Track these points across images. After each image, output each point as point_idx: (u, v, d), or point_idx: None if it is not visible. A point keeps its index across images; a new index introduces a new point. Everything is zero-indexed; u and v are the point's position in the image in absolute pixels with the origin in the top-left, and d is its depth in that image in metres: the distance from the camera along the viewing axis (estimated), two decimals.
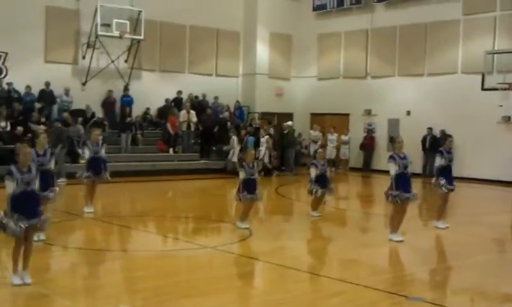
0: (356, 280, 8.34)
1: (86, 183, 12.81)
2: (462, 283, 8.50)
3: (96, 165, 12.71)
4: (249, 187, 11.48)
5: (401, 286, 8.20)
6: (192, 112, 23.58)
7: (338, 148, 25.47)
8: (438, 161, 12.64)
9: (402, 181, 10.86)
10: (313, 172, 13.07)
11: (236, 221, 11.84)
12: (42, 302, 7.38)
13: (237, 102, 25.96)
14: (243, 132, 23.69)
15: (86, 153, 12.84)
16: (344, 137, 25.75)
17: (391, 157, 10.99)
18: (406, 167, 11.04)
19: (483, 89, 20.45)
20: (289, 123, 24.42)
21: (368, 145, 25.33)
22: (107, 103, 22.88)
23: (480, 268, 9.50)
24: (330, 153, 24.52)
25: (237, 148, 22.13)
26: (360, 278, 8.58)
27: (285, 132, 24.07)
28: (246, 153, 11.97)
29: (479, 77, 20.64)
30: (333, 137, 25.52)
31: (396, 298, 7.59)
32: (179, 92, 24.65)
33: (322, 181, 13.11)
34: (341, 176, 24.43)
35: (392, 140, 12.09)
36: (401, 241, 10.83)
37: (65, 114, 20.87)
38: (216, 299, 7.43)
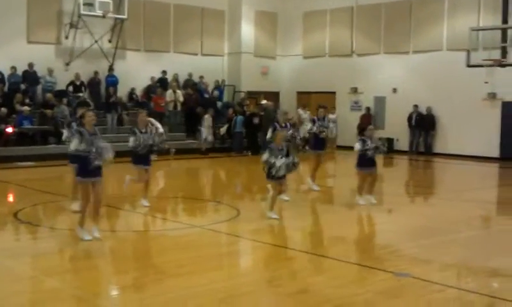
0: (343, 257, 8.38)
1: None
2: (449, 259, 8.57)
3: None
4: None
5: (388, 262, 8.25)
6: (179, 92, 23.48)
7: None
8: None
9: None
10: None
11: (266, 212, 10.89)
12: (30, 282, 7.35)
13: (216, 81, 25.70)
14: (231, 110, 23.63)
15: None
16: (331, 116, 25.68)
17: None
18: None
19: (468, 65, 20.46)
20: (264, 101, 24.03)
21: (366, 124, 24.98)
22: (93, 84, 22.69)
23: (466, 244, 9.59)
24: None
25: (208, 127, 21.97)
26: (348, 255, 8.62)
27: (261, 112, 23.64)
28: (276, 135, 11.33)
29: (464, 54, 20.64)
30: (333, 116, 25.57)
31: (383, 274, 7.64)
32: (164, 72, 24.50)
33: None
34: (330, 155, 24.49)
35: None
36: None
37: (49, 95, 20.71)
38: (205, 277, 7.44)
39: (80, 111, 9.72)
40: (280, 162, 10.39)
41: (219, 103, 24.82)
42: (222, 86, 25.94)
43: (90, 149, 8.70)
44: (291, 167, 10.55)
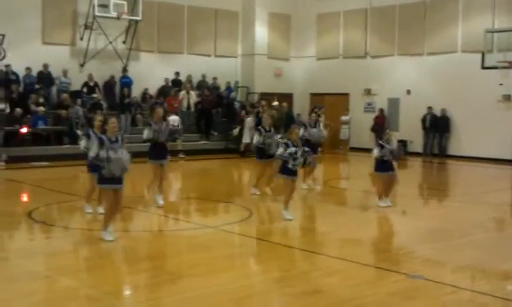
0: (356, 258, 8.36)
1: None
2: (462, 261, 8.52)
3: None
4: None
5: (401, 264, 8.23)
6: (192, 93, 23.54)
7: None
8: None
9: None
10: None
11: (283, 210, 10.83)
12: (44, 282, 7.40)
13: (227, 82, 25.60)
14: (243, 112, 23.65)
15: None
16: (344, 118, 25.70)
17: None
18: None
19: (483, 67, 20.38)
20: (276, 103, 23.94)
21: (379, 125, 24.79)
22: (108, 85, 22.81)
23: (480, 246, 9.52)
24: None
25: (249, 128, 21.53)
26: (360, 256, 8.60)
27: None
28: (290, 131, 10.99)
29: (479, 56, 20.57)
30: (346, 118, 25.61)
31: (396, 276, 7.61)
32: (177, 73, 24.54)
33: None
34: (343, 157, 24.47)
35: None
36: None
37: (65, 96, 20.85)
38: (218, 278, 7.45)
39: (92, 115, 9.73)
40: (300, 151, 10.43)
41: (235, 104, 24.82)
42: (234, 87, 25.91)
43: (109, 158, 8.65)
44: (308, 159, 10.52)
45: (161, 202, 11.72)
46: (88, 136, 9.91)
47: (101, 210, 10.25)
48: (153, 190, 11.82)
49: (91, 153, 8.96)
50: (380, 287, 7.26)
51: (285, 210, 10.74)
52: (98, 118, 9.05)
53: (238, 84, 26.16)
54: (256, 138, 10.50)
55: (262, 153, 13.11)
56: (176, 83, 24.28)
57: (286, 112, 23.42)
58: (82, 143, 10.31)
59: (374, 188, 13.48)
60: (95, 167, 9.46)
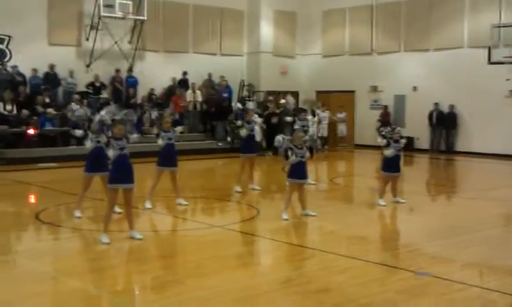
0: (364, 256, 8.34)
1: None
2: (470, 258, 8.49)
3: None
4: (300, 170, 10.71)
5: (409, 261, 8.19)
6: (198, 92, 23.55)
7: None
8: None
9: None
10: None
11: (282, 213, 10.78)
12: (51, 283, 7.41)
13: (224, 80, 25.14)
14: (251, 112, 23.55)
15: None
16: (339, 115, 25.65)
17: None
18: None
19: (490, 62, 20.31)
20: (283, 100, 23.90)
21: (385, 122, 24.74)
22: (115, 83, 22.84)
23: (488, 243, 9.48)
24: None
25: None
26: (368, 254, 8.58)
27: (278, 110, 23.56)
28: (294, 136, 11.01)
29: (486, 51, 20.49)
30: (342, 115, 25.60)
31: (404, 273, 7.59)
32: (185, 73, 24.53)
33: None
34: (346, 154, 24.44)
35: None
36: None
37: (76, 96, 20.85)
38: (225, 277, 7.45)
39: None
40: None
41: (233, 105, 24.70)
42: (240, 86, 25.81)
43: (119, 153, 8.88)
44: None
45: (184, 202, 11.85)
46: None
47: (118, 209, 10.24)
48: (152, 193, 11.82)
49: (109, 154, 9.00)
50: (388, 285, 7.23)
51: (284, 211, 10.75)
52: (118, 127, 9.20)
53: (244, 83, 26.13)
54: (292, 158, 10.42)
55: (248, 148, 13.58)
56: (185, 82, 24.24)
57: (294, 109, 23.28)
58: (88, 143, 10.39)
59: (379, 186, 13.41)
60: (91, 167, 10.11)
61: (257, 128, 14.47)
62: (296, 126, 14.23)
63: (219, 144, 22.11)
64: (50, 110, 19.97)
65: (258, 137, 11.72)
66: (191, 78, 24.44)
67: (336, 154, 23.78)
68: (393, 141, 11.96)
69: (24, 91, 20.41)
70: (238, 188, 13.62)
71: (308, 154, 10.95)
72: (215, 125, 23.36)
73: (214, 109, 23.26)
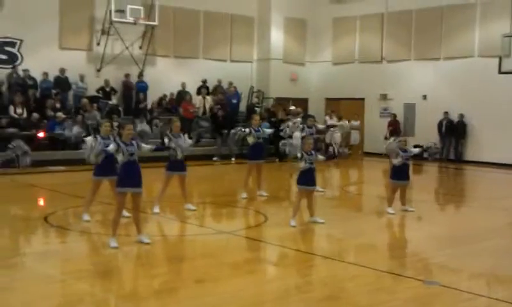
0: (372, 264, 8.32)
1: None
2: (478, 267, 8.45)
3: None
4: (309, 177, 10.75)
5: (417, 270, 8.17)
6: (208, 98, 23.58)
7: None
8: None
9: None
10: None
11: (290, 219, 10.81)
12: (59, 286, 7.43)
13: (232, 85, 25.08)
14: (257, 117, 23.53)
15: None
16: (354, 123, 25.62)
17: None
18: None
19: (500, 72, 20.22)
20: (292, 107, 23.84)
21: (394, 131, 24.59)
22: (125, 87, 22.92)
23: (497, 253, 9.44)
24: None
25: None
26: (376, 262, 8.55)
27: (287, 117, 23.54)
28: (303, 142, 11.12)
29: (496, 61, 20.40)
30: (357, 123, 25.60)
31: (413, 282, 7.56)
32: (204, 81, 24.47)
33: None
34: (357, 162, 24.38)
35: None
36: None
37: (84, 101, 20.94)
38: (233, 283, 7.45)
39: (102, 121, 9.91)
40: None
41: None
42: (249, 92, 25.81)
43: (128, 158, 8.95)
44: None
45: (192, 207, 11.95)
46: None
47: (126, 213, 10.25)
48: (161, 198, 11.82)
49: (119, 158, 9.04)
50: (397, 293, 7.22)
51: (293, 218, 10.76)
52: (128, 127, 9.23)
53: (253, 89, 26.16)
54: (302, 164, 10.51)
55: (256, 154, 13.66)
56: (205, 89, 24.20)
57: (302, 117, 23.24)
58: (120, 156, 10.32)
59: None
60: (100, 171, 10.06)
61: (297, 135, 14.41)
62: (303, 133, 14.37)
63: (214, 158, 22.04)
64: (59, 114, 20.02)
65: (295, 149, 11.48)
66: (197, 84, 24.44)
67: (345, 162, 23.72)
68: (401, 150, 11.96)
69: (33, 95, 20.49)
70: (244, 195, 13.65)
71: (322, 158, 11.00)
72: (223, 133, 23.30)
73: (222, 116, 23.15)
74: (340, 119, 25.19)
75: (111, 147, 9.14)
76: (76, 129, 19.23)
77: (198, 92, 24.11)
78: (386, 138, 24.35)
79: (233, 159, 21.75)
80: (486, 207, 13.71)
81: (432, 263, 8.69)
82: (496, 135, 22.06)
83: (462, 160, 23.07)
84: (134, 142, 9.13)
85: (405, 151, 11.98)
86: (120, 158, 9.01)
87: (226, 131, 21.48)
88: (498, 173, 20.69)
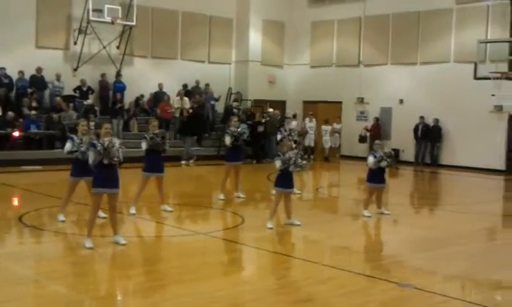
0: (347, 266, 8.37)
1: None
2: (453, 270, 8.54)
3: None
4: (286, 179, 10.75)
5: (392, 273, 8.23)
6: (185, 99, 23.52)
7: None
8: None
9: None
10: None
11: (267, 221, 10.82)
12: (33, 286, 7.36)
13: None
14: (235, 118, 23.54)
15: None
16: (336, 126, 25.74)
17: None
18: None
19: (476, 78, 20.43)
20: (270, 110, 24.06)
21: (375, 135, 24.58)
22: (102, 87, 22.76)
23: (471, 256, 9.55)
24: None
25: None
26: (351, 264, 8.61)
27: (265, 119, 23.68)
28: (281, 145, 11.22)
29: (472, 66, 20.62)
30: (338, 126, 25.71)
31: (387, 284, 7.61)
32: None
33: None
34: (335, 165, 24.48)
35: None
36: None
37: (58, 99, 20.78)
38: (209, 284, 7.43)
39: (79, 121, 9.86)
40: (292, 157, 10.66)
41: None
42: (227, 94, 25.80)
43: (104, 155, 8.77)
44: (299, 164, 10.67)
45: (169, 208, 11.93)
46: (72, 140, 10.02)
47: (102, 214, 10.12)
48: (137, 200, 11.76)
49: (90, 160, 8.84)
50: (371, 295, 7.26)
51: (269, 220, 10.76)
52: (105, 126, 9.15)
53: (231, 91, 26.14)
54: (278, 164, 10.50)
55: (233, 156, 13.70)
56: (186, 93, 24.06)
57: (279, 119, 23.36)
58: (67, 145, 10.15)
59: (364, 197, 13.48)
60: (76, 171, 9.98)
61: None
62: (279, 136, 14.52)
63: (183, 162, 21.79)
64: (32, 112, 19.83)
65: None
66: (178, 85, 24.37)
67: (321, 164, 23.83)
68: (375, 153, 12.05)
69: (4, 93, 20.23)
70: (221, 196, 13.65)
71: (303, 163, 10.89)
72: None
73: (197, 117, 23.03)
74: (326, 122, 25.32)
75: (67, 146, 9.58)
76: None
77: (178, 94, 24.00)
78: (361, 139, 24.62)
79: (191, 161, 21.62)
80: (460, 211, 13.85)
81: (407, 265, 8.76)
82: (471, 140, 22.32)
83: (437, 164, 23.29)
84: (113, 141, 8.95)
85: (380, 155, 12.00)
86: (90, 158, 8.80)
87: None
88: (473, 176, 20.92)
